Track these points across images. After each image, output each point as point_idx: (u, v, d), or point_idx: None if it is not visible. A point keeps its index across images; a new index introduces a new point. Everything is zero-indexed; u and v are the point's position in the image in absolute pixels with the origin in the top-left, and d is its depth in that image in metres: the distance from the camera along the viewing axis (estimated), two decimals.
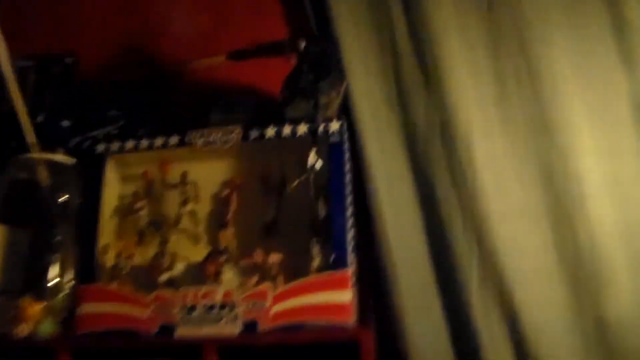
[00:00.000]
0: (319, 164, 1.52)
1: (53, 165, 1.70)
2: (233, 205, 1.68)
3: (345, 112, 1.65)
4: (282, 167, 1.67)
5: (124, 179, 1.78)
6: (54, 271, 1.65)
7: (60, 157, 1.71)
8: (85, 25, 2.01)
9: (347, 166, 1.58)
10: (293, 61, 1.80)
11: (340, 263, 1.49)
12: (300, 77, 1.57)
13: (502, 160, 1.63)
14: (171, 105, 1.86)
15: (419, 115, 1.71)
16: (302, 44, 1.79)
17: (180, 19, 1.94)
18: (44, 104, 1.85)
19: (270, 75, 1.80)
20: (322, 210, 1.56)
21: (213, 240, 1.66)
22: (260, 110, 1.74)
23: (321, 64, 1.56)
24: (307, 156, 1.53)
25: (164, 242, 1.66)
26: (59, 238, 1.67)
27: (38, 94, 1.90)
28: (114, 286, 1.60)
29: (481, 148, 1.62)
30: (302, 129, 1.60)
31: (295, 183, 1.52)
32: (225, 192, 1.70)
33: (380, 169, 1.66)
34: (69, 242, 1.69)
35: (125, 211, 1.74)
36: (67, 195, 1.71)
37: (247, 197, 1.69)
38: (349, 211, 1.55)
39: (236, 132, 1.63)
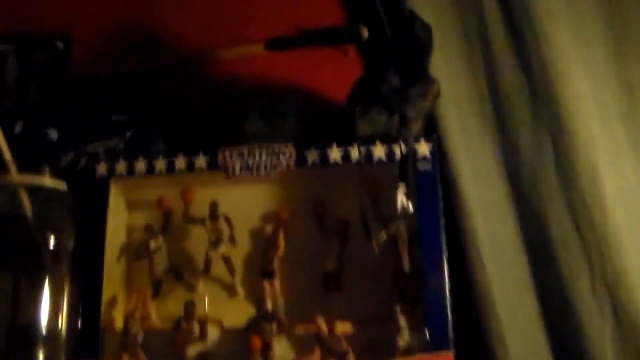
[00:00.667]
0: (410, 207, 1.10)
1: (38, 192, 1.27)
2: (280, 248, 1.27)
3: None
4: (347, 201, 1.25)
5: (133, 205, 1.37)
6: (40, 334, 1.23)
7: (46, 181, 1.27)
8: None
9: (441, 204, 1.16)
10: (352, 54, 1.38)
11: (439, 341, 1.11)
12: (380, 79, 1.14)
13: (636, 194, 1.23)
14: (195, 110, 1.41)
15: (523, 132, 1.30)
16: (364, 32, 1.37)
17: None
18: (25, 105, 1.40)
19: (322, 72, 1.42)
20: (407, 264, 1.14)
21: (255, 295, 1.27)
22: (312, 119, 1.31)
23: (413, 63, 1.13)
24: (392, 193, 1.11)
25: (189, 300, 1.25)
26: (48, 288, 1.24)
27: (18, 90, 1.45)
28: None
29: (611, 178, 1.22)
30: (380, 151, 1.18)
31: (383, 235, 1.10)
32: (269, 229, 1.29)
33: (477, 203, 1.26)
34: (62, 293, 1.26)
35: (136, 252, 1.33)
36: (57, 231, 1.28)
37: (297, 237, 1.29)
38: (445, 267, 1.14)
39: (287, 155, 1.21)
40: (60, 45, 1.52)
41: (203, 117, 1.44)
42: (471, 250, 1.26)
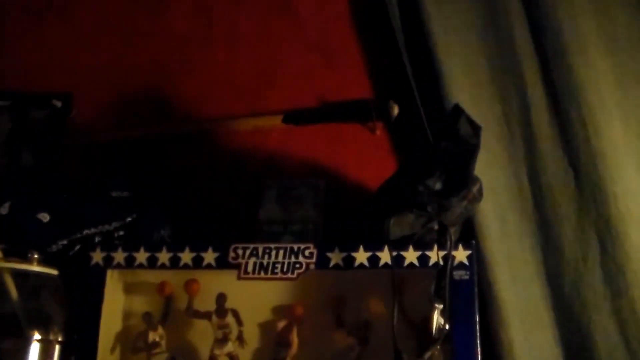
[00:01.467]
0: (447, 326, 0.97)
1: (25, 278, 1.14)
2: (293, 347, 1.15)
3: None
4: (368, 302, 1.15)
5: (131, 289, 1.24)
6: None
7: (35, 267, 1.15)
8: (83, 59, 1.41)
9: (477, 317, 1.03)
10: (379, 132, 1.26)
11: None
12: (420, 182, 1.01)
13: None
14: (206, 187, 1.29)
15: (566, 230, 1.20)
16: (395, 109, 1.25)
17: (216, 59, 1.37)
18: (17, 169, 1.27)
19: (346, 150, 1.28)
20: None
21: None
22: (332, 207, 1.19)
23: (458, 166, 1.00)
24: (428, 314, 0.98)
25: None
26: None
27: (10, 150, 1.31)
28: None
29: None
30: (412, 256, 1.05)
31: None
32: (282, 325, 1.17)
33: (514, 309, 1.13)
34: None
35: (133, 345, 1.20)
36: (45, 320, 1.14)
37: (312, 336, 1.16)
38: None
39: (307, 255, 1.08)
40: (58, 104, 1.39)
41: (214, 196, 1.31)
42: None
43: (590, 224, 1.20)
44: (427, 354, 0.96)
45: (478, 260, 1.11)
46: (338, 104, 1.33)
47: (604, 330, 1.17)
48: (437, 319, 0.99)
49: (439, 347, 0.98)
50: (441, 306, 0.99)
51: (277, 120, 1.33)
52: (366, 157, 1.30)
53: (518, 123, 1.27)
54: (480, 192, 1.07)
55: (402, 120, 1.28)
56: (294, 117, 1.33)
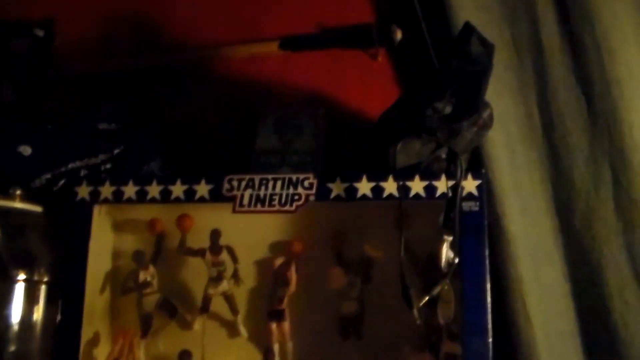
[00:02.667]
0: (456, 260, 0.91)
1: (7, 216, 1.08)
2: (292, 285, 1.10)
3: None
4: (371, 237, 1.08)
5: (120, 227, 1.18)
6: None
7: (18, 204, 1.08)
8: None
9: (487, 250, 0.97)
10: (381, 58, 1.19)
11: None
12: (428, 105, 0.94)
13: None
14: (199, 118, 1.22)
15: (577, 161, 1.12)
16: (398, 34, 1.18)
17: None
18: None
19: (346, 78, 1.24)
20: (442, 318, 0.96)
21: (260, 339, 1.10)
22: (333, 136, 1.12)
23: (469, 88, 0.94)
24: (437, 245, 0.92)
25: (184, 350, 1.08)
26: (19, 324, 1.05)
27: None
28: None
29: None
30: (418, 186, 0.99)
31: (424, 301, 0.91)
32: (279, 262, 1.11)
33: (523, 244, 1.08)
34: (34, 329, 1.09)
35: (123, 285, 1.14)
36: (30, 258, 1.10)
37: (312, 274, 1.11)
38: (490, 326, 0.95)
39: (306, 186, 1.01)
40: (40, 33, 1.30)
41: (207, 126, 1.24)
42: (516, 300, 1.09)
43: (603, 154, 1.14)
44: (437, 289, 0.91)
45: (487, 191, 1.05)
46: (338, 29, 1.25)
47: (615, 265, 1.12)
48: (446, 252, 0.93)
49: (448, 281, 0.92)
50: (450, 238, 0.93)
51: (273, 47, 1.26)
52: (368, 85, 1.24)
53: (528, 48, 1.20)
54: (491, 117, 1.01)
55: (406, 46, 1.20)
56: (291, 43, 1.26)
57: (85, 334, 1.09)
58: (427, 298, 0.90)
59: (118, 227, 1.18)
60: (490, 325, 0.97)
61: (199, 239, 1.12)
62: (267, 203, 1.04)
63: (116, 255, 1.18)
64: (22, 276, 1.06)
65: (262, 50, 1.27)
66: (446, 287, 0.92)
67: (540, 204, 1.15)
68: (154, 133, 1.20)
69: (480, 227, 0.99)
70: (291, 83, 1.26)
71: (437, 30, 1.20)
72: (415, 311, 0.90)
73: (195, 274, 1.14)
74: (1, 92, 1.26)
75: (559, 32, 1.18)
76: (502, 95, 1.16)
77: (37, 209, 1.10)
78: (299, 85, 1.26)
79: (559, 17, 1.18)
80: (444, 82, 0.95)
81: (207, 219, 1.12)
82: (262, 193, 1.05)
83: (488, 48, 0.93)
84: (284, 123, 1.16)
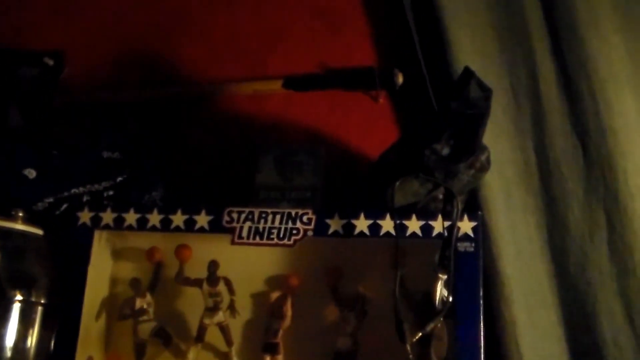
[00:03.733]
0: (450, 298, 0.92)
1: (8, 237, 1.08)
2: (287, 319, 1.10)
3: None
4: (366, 274, 1.10)
5: (119, 254, 1.19)
6: None
7: (19, 226, 1.09)
8: (79, 18, 1.35)
9: (481, 291, 0.98)
10: (382, 100, 1.22)
11: None
12: (426, 147, 0.96)
13: None
14: (201, 151, 1.23)
15: (573, 207, 1.14)
16: (399, 77, 1.20)
17: (217, 21, 1.31)
18: (4, 129, 1.21)
19: (347, 119, 1.25)
20: (436, 357, 0.96)
21: None
22: (333, 174, 1.14)
23: (467, 131, 0.96)
24: (432, 283, 0.93)
25: None
26: (13, 346, 1.05)
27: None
28: None
29: None
30: (415, 225, 1.01)
31: (417, 336, 0.92)
32: (276, 296, 1.12)
33: (518, 286, 1.09)
34: (28, 351, 1.08)
35: (120, 310, 1.15)
36: (28, 281, 1.08)
37: (307, 308, 1.12)
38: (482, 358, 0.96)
39: (305, 221, 1.03)
40: (50, 62, 1.33)
41: (209, 160, 1.26)
42: (510, 342, 1.09)
43: (598, 200, 1.16)
44: (430, 326, 0.91)
45: (483, 233, 1.06)
46: (341, 70, 1.27)
47: (609, 311, 1.12)
48: (440, 290, 0.94)
49: (442, 319, 0.93)
50: (445, 277, 0.95)
51: (277, 85, 1.28)
52: (368, 127, 1.25)
53: (526, 95, 1.22)
54: (488, 160, 1.02)
55: (407, 89, 1.23)
56: (294, 82, 1.28)
57: (79, 359, 1.09)
58: (420, 334, 0.91)
59: (117, 254, 1.18)
60: None
61: (197, 270, 1.13)
62: (265, 236, 1.06)
63: (114, 282, 1.18)
64: (19, 297, 1.06)
65: (265, 88, 1.29)
66: (439, 325, 0.93)
67: (535, 248, 1.16)
68: (158, 163, 1.21)
69: (475, 268, 1.01)
70: (293, 121, 1.28)
71: (437, 74, 1.22)
72: (408, 346, 0.91)
73: (192, 304, 1.14)
74: (9, 117, 1.28)
75: (556, 80, 1.21)
76: (500, 139, 1.18)
77: (38, 231, 1.11)
78: (301, 124, 1.28)
79: (556, 66, 1.21)
80: (442, 124, 0.97)
81: (206, 250, 1.13)
82: (261, 226, 1.06)
83: (486, 92, 0.95)
84: (284, 160, 1.17)
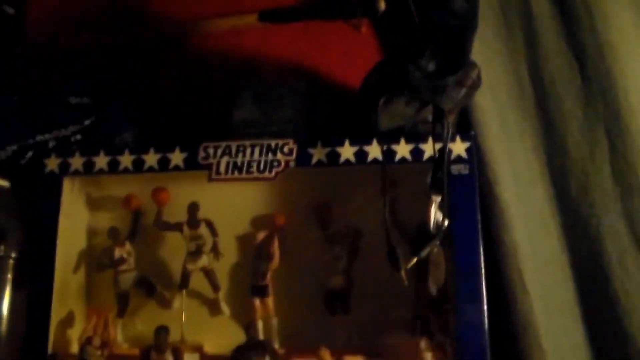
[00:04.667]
0: (445, 221, 0.86)
1: None
2: (275, 259, 1.05)
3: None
4: (357, 206, 1.04)
5: (94, 203, 1.13)
6: None
7: None
8: None
9: (479, 214, 0.92)
10: (364, 29, 1.15)
11: None
12: (411, 63, 0.89)
13: None
14: (173, 91, 1.16)
15: (572, 128, 1.06)
16: (381, 4, 1.13)
17: None
18: None
19: (328, 50, 1.21)
20: (434, 287, 0.90)
21: (243, 316, 1.04)
22: (315, 106, 1.07)
23: (453, 44, 0.89)
24: (426, 207, 0.87)
25: (162, 326, 1.01)
26: None
27: None
28: None
29: None
30: (404, 150, 0.94)
31: (412, 262, 0.85)
32: (262, 236, 1.06)
33: (517, 212, 1.02)
34: (2, 309, 1.03)
35: (98, 261, 1.09)
36: None
37: (296, 247, 1.06)
38: (484, 294, 0.90)
39: (286, 152, 0.96)
40: (10, 10, 1.25)
41: (183, 100, 1.19)
42: (512, 269, 1.03)
43: (598, 120, 1.10)
44: (426, 251, 0.85)
45: (478, 159, 1.00)
46: (319, 0, 1.20)
47: (614, 232, 1.07)
48: (434, 214, 0.88)
49: (438, 244, 0.87)
50: (439, 198, 0.88)
51: (252, 19, 1.21)
52: (351, 57, 1.19)
53: (517, 15, 1.16)
54: (479, 77, 0.96)
55: (390, 16, 1.16)
56: (271, 15, 1.21)
57: (58, 314, 1.04)
58: (415, 259, 0.85)
59: (93, 204, 1.13)
60: (484, 292, 0.92)
61: (176, 215, 1.07)
62: (245, 170, 0.99)
63: (92, 233, 1.13)
64: None
65: (241, 22, 1.22)
66: (436, 250, 0.87)
67: (534, 172, 1.10)
68: (128, 105, 1.14)
69: (471, 191, 0.95)
70: (271, 56, 1.21)
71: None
72: (402, 273, 0.85)
73: (173, 251, 1.09)
74: None
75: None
76: (492, 62, 1.12)
77: (4, 183, 1.04)
78: (280, 58, 1.21)
79: None
80: (425, 37, 0.90)
81: (184, 192, 1.08)
82: (239, 160, 1.00)
83: (473, 3, 0.89)
84: (263, 95, 1.11)
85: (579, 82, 1.12)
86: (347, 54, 1.19)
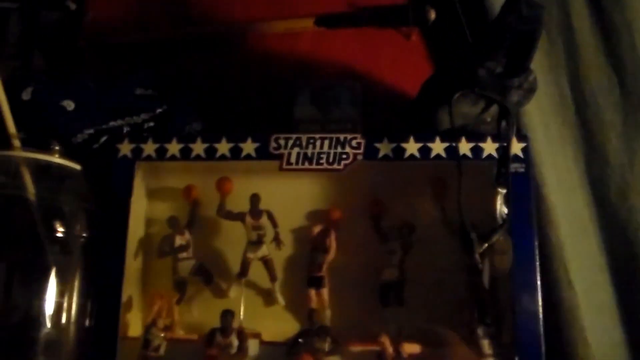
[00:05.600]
0: (506, 212, 0.92)
1: (46, 171, 1.05)
2: (331, 252, 1.09)
3: None
4: (410, 202, 1.10)
5: (153, 193, 1.16)
6: (39, 336, 1.00)
7: (57, 159, 1.05)
8: None
9: (534, 211, 0.98)
10: (414, 37, 1.21)
11: None
12: (479, 65, 0.96)
13: None
14: (233, 89, 1.21)
15: (611, 137, 1.13)
16: (432, 14, 1.20)
17: None
18: (32, 72, 1.17)
19: (378, 56, 1.27)
20: (487, 278, 0.96)
21: (297, 307, 1.09)
22: (371, 106, 1.12)
23: (520, 49, 0.95)
24: (492, 199, 0.92)
25: (228, 309, 1.05)
26: (53, 283, 1.01)
27: (22, 53, 1.22)
28: None
29: None
30: (465, 147, 1.00)
31: (484, 247, 0.91)
32: (317, 230, 1.10)
33: (562, 214, 1.08)
34: (70, 291, 1.04)
35: (160, 248, 1.12)
36: (66, 217, 1.05)
37: (352, 241, 1.11)
38: (539, 285, 0.95)
39: (354, 145, 1.02)
40: (72, 6, 1.29)
41: (242, 98, 1.23)
42: (558, 265, 1.09)
43: (636, 129, 1.16)
44: (495, 236, 0.91)
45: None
46: (373, 8, 1.26)
47: None
48: (500, 206, 0.94)
49: (505, 234, 0.93)
50: (505, 191, 0.94)
51: (309, 23, 1.26)
52: (401, 63, 1.24)
53: (558, 30, 1.22)
54: (535, 81, 1.02)
55: (439, 26, 1.22)
56: (327, 20, 1.26)
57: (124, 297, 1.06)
58: (486, 245, 0.90)
59: (152, 194, 1.16)
60: (539, 282, 0.97)
61: (237, 204, 1.11)
62: (314, 161, 1.04)
63: (149, 221, 1.15)
64: (58, 232, 1.03)
65: (297, 25, 1.27)
66: (502, 239, 0.92)
67: (574, 179, 1.16)
68: (193, 98, 1.18)
69: (527, 188, 1.01)
70: (326, 59, 1.26)
71: (471, 11, 1.22)
72: (477, 256, 0.90)
73: (231, 241, 1.12)
74: (32, 61, 1.25)
75: (589, 13, 1.21)
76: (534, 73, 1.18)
77: (77, 165, 1.08)
78: (334, 62, 1.26)
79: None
80: (497, 40, 0.96)
81: (245, 185, 1.11)
82: (309, 151, 1.04)
83: (538, 9, 0.95)
84: (321, 94, 1.16)
85: (618, 93, 1.18)
86: (396, 60, 1.25)
